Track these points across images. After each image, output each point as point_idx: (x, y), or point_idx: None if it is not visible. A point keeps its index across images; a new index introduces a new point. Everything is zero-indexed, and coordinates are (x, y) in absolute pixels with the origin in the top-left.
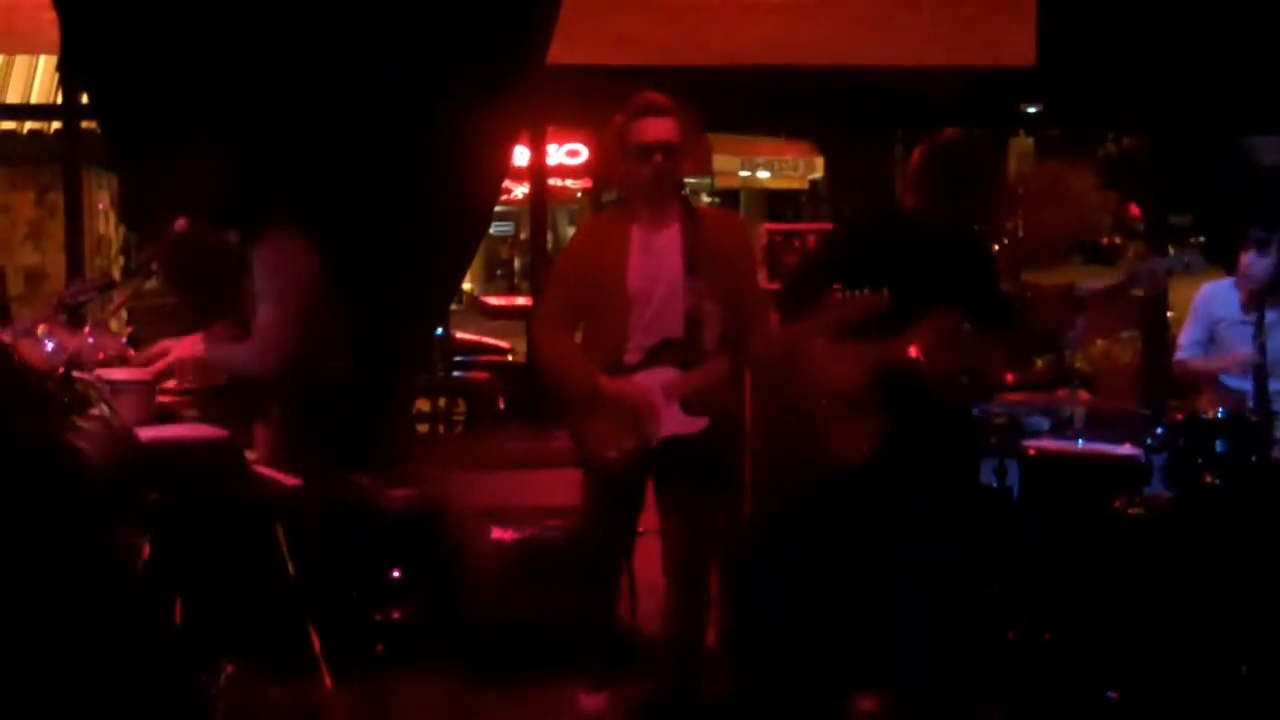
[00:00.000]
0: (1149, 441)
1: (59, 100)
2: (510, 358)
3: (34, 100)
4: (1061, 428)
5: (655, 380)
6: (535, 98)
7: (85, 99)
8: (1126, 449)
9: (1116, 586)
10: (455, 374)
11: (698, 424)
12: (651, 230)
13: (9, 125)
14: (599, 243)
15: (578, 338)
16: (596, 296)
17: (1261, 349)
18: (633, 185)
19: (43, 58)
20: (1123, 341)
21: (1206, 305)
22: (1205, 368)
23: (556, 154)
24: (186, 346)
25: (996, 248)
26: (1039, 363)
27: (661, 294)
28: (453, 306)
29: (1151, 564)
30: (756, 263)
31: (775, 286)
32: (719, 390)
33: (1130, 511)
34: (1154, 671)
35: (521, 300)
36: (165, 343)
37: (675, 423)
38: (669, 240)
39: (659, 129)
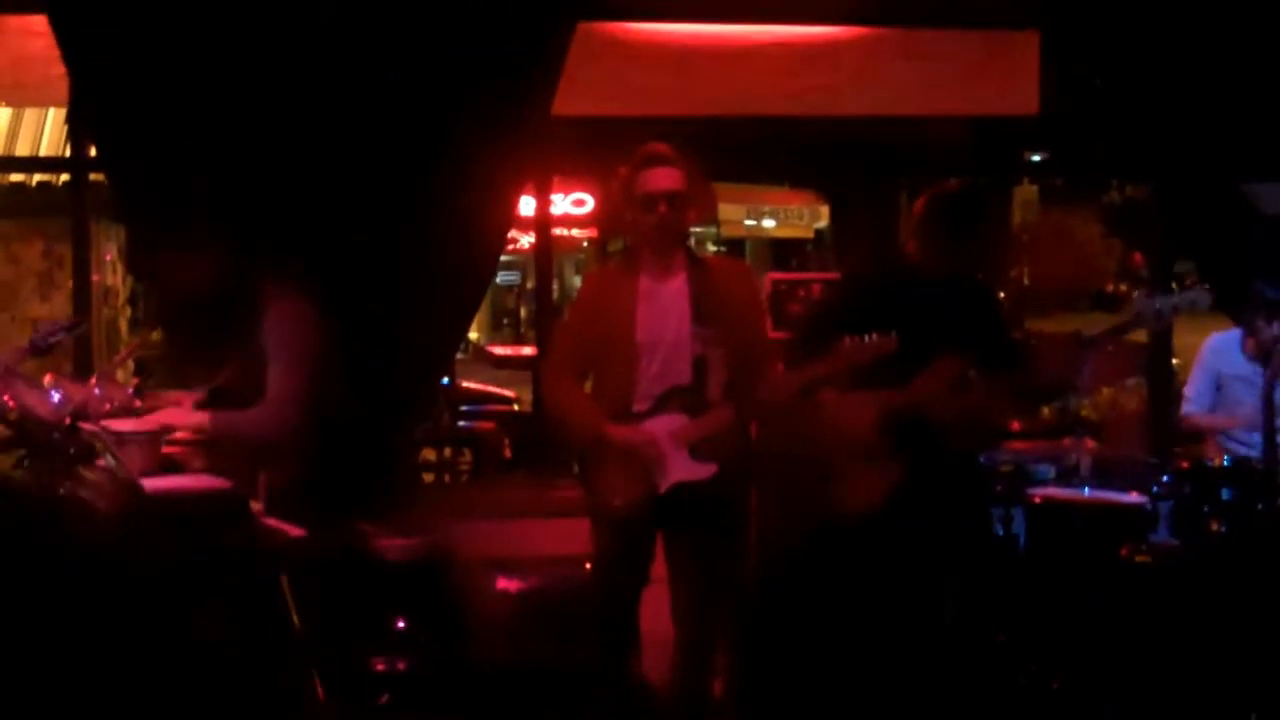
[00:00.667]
0: (1155, 489)
1: (67, 153)
2: (516, 407)
3: (42, 153)
4: (1067, 476)
5: (663, 427)
6: (541, 148)
7: (93, 152)
8: (1133, 497)
9: (1123, 635)
10: (461, 423)
11: (706, 470)
12: (658, 280)
13: (18, 177)
14: (607, 293)
15: (587, 387)
16: (604, 346)
17: (1268, 401)
18: (639, 235)
19: (51, 110)
20: (1128, 389)
21: (1213, 358)
22: (1211, 425)
23: (562, 204)
24: (194, 414)
25: (1001, 295)
26: (1045, 410)
27: (669, 342)
28: (458, 356)
29: (1158, 612)
30: (763, 311)
31: (780, 335)
32: (727, 437)
33: (1137, 559)
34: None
35: (527, 350)
36: (177, 395)
37: (683, 470)
38: (676, 289)
39: (664, 179)
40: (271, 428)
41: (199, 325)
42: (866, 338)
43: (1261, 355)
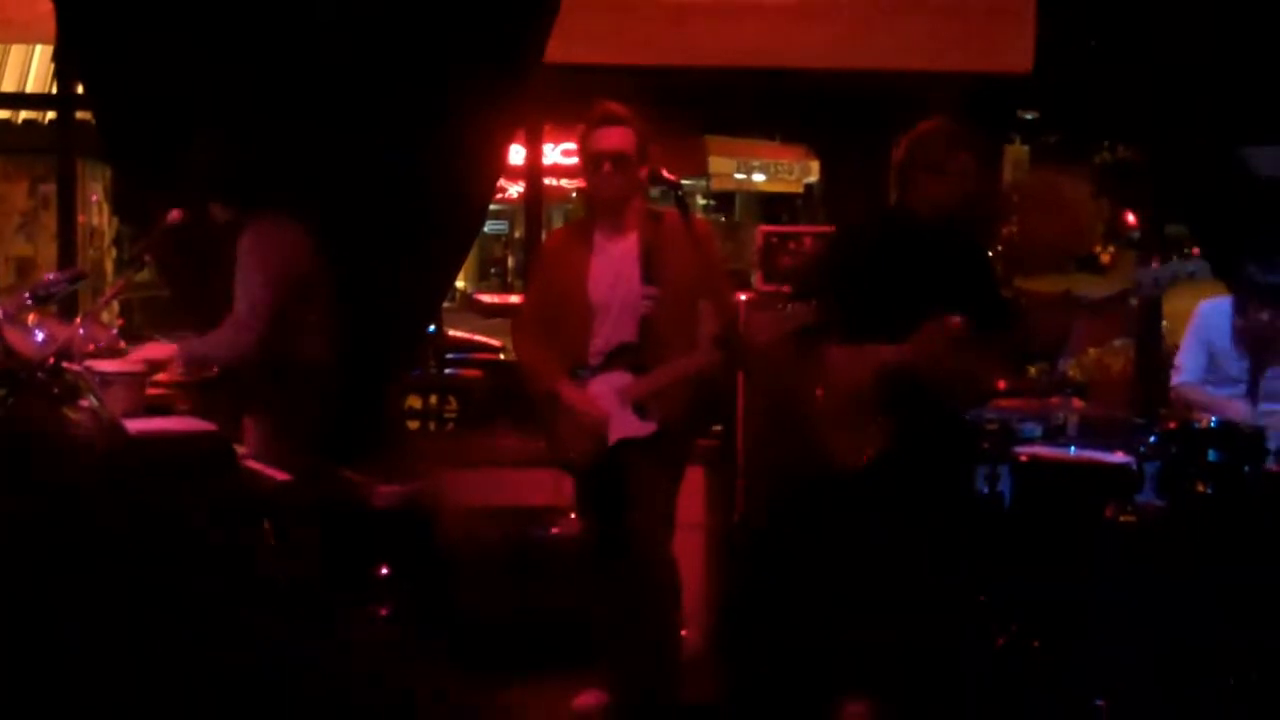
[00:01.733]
0: (1141, 449)
1: (54, 90)
2: (502, 356)
3: (29, 89)
4: (1054, 435)
5: (610, 385)
6: (532, 96)
7: (81, 89)
8: (1119, 457)
9: (1106, 594)
10: (447, 371)
11: (648, 428)
12: (610, 239)
13: (3, 114)
14: (565, 251)
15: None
16: (562, 303)
17: (1253, 388)
18: (590, 193)
19: (39, 47)
20: (1116, 350)
21: (1205, 327)
22: (1204, 407)
23: (552, 153)
24: (161, 346)
25: (990, 253)
26: (1032, 370)
27: (619, 301)
28: (446, 304)
29: (1143, 572)
30: (722, 267)
31: (771, 287)
32: (676, 393)
33: (1122, 520)
34: (1143, 680)
35: (515, 299)
36: (148, 347)
37: (627, 426)
38: (627, 248)
39: (611, 138)
40: (238, 344)
41: (188, 266)
42: (788, 306)
43: (1250, 341)
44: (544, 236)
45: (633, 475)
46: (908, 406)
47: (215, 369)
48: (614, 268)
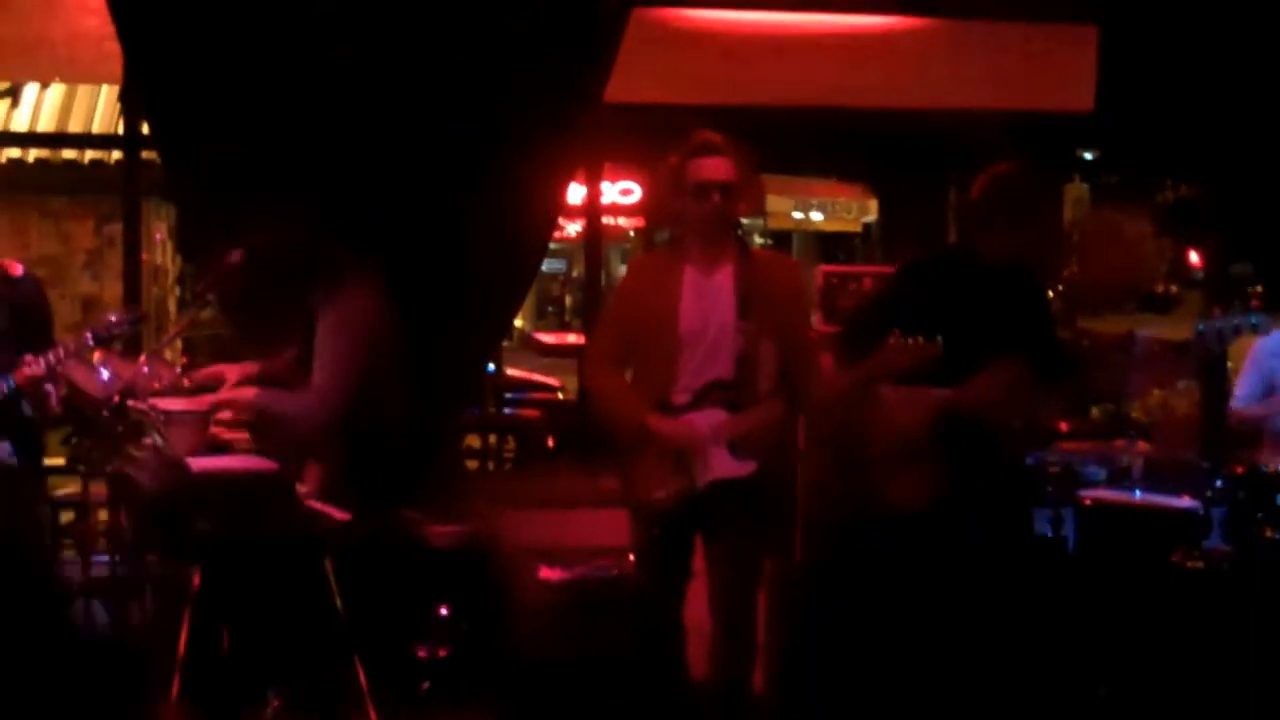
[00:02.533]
0: (1208, 494)
1: (120, 130)
2: (561, 396)
3: (95, 130)
4: (1118, 478)
5: (702, 422)
6: (592, 135)
7: (146, 130)
8: (1185, 501)
9: (1174, 640)
10: (506, 411)
11: (745, 468)
12: (704, 271)
13: (70, 154)
14: (651, 282)
15: (629, 377)
16: (647, 336)
17: None
18: (688, 224)
19: (105, 87)
20: (1180, 392)
21: (1265, 358)
22: (1261, 412)
23: (610, 192)
24: (241, 390)
25: (1051, 294)
26: (1095, 411)
27: (712, 335)
28: (504, 343)
29: (1210, 618)
30: (810, 307)
31: (831, 329)
32: (769, 434)
33: (1189, 565)
34: None
35: (573, 338)
36: (220, 367)
37: (722, 466)
38: (722, 281)
39: (716, 168)
40: (313, 415)
41: (253, 307)
42: (910, 340)
43: None
44: (603, 276)
45: (726, 519)
46: (964, 450)
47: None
48: (707, 300)
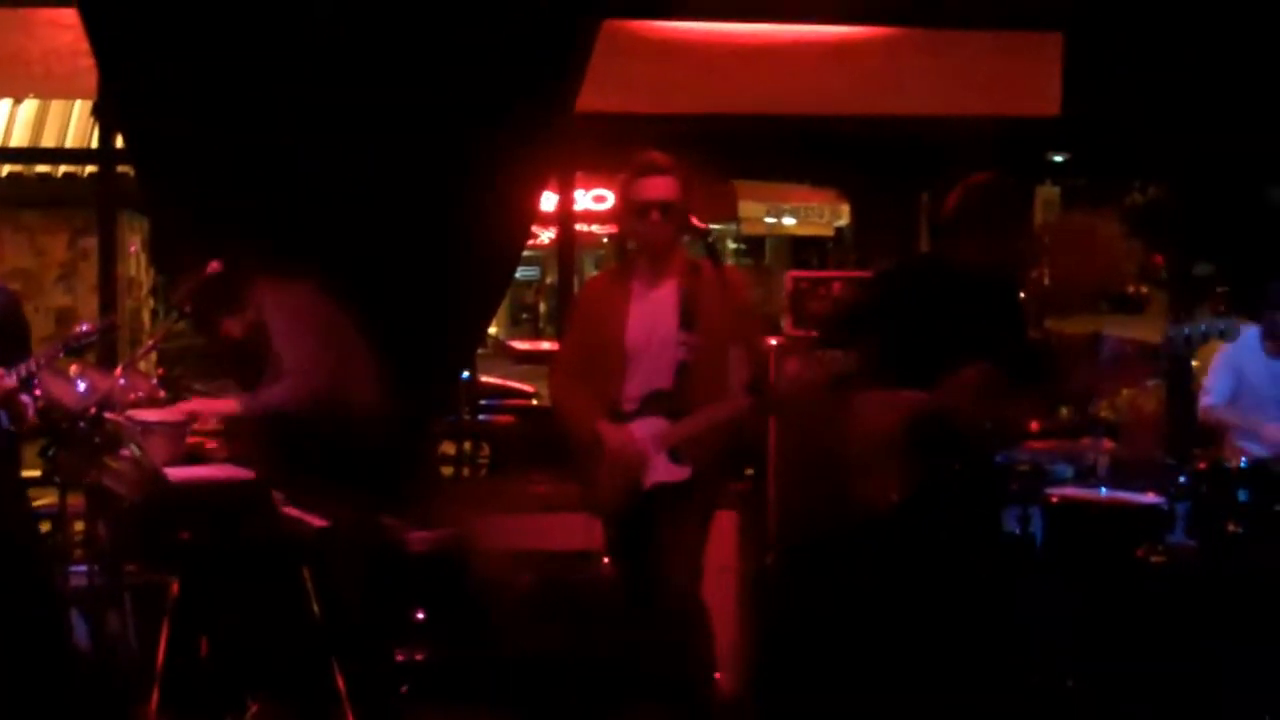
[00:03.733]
0: (1172, 490)
1: (95, 144)
2: (535, 402)
3: (68, 144)
4: (1085, 476)
5: (644, 430)
6: (564, 143)
7: (120, 143)
8: (1150, 497)
9: (1140, 634)
10: (480, 417)
11: (682, 472)
12: (650, 285)
13: (43, 169)
14: (603, 297)
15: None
16: (599, 349)
17: None
18: (635, 241)
19: (78, 103)
20: (1147, 390)
21: (1233, 354)
22: (1234, 423)
23: (583, 199)
24: (219, 404)
25: (1021, 295)
26: (1063, 411)
27: (655, 347)
28: (479, 350)
29: (1175, 612)
30: (754, 314)
31: (799, 333)
32: (709, 439)
33: (1153, 560)
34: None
35: (546, 345)
36: (195, 403)
37: (662, 471)
38: (666, 295)
39: (658, 188)
40: (299, 394)
41: (223, 318)
42: (826, 353)
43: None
44: (576, 283)
45: (665, 520)
46: (935, 451)
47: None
48: (652, 314)
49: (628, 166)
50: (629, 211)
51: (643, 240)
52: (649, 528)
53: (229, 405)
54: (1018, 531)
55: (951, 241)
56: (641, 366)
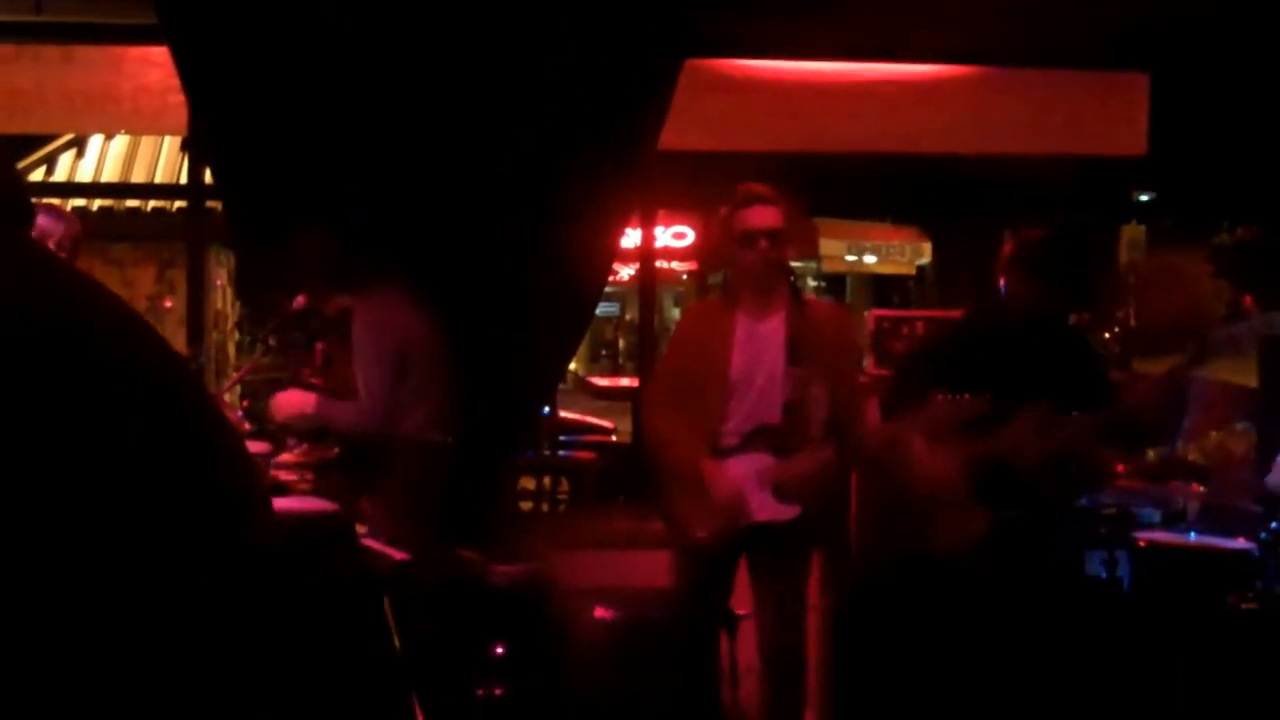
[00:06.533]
0: (1263, 536)
1: (184, 179)
2: (614, 438)
3: (158, 179)
4: (1173, 520)
5: (749, 466)
6: (647, 181)
7: (208, 178)
8: (1240, 543)
9: (1229, 682)
10: (560, 453)
11: (789, 511)
12: (756, 318)
13: (134, 203)
14: (704, 328)
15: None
16: (698, 380)
17: None
18: (740, 271)
19: (166, 139)
20: (1237, 434)
21: None
22: None
23: (663, 236)
24: (299, 397)
25: (1107, 335)
26: (1150, 454)
27: (762, 382)
28: (559, 386)
29: (1266, 660)
30: (859, 355)
31: (882, 372)
32: (815, 479)
33: (1244, 606)
34: None
35: (626, 381)
36: (291, 393)
37: (766, 509)
38: (773, 328)
39: (764, 216)
40: (367, 418)
41: (310, 349)
42: (957, 397)
43: None
44: (656, 319)
45: (765, 561)
46: (1002, 495)
47: (335, 449)
48: (758, 347)
49: (729, 200)
50: (733, 242)
51: (749, 269)
52: (739, 565)
53: (307, 400)
54: (1104, 575)
55: (1007, 291)
56: (746, 400)
